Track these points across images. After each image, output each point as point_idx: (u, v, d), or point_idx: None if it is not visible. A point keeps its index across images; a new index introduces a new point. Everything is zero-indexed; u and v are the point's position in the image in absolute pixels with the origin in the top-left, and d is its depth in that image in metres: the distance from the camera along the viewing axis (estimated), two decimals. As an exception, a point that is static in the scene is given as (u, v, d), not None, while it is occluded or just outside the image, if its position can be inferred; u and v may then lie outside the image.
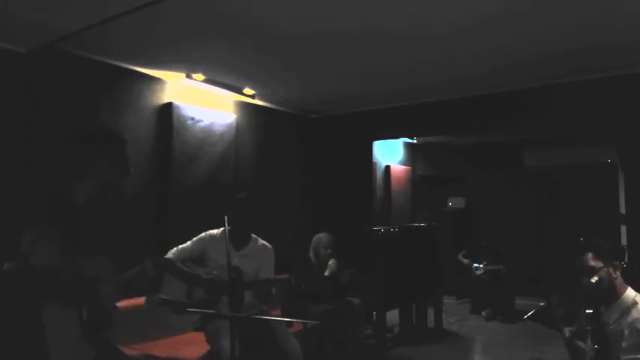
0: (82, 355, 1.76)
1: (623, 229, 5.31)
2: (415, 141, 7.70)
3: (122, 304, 2.32)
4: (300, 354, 2.90)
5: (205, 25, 3.09)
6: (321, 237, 4.19)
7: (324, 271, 4.00)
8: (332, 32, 3.22)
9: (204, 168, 4.34)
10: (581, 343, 2.25)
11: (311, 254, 4.20)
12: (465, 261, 6.50)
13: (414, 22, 3.06)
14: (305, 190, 5.64)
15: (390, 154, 7.28)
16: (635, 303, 2.16)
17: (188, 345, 3.28)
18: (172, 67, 3.93)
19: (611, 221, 5.99)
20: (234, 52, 3.63)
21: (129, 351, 2.93)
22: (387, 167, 7.11)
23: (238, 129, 4.74)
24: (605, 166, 6.62)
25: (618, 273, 2.23)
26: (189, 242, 3.14)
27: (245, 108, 4.94)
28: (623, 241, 5.22)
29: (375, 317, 4.76)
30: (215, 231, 3.18)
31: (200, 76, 4.10)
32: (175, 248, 3.10)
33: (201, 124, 4.33)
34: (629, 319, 2.13)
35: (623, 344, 2.09)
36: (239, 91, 4.54)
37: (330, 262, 4.03)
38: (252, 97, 4.71)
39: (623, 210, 5.13)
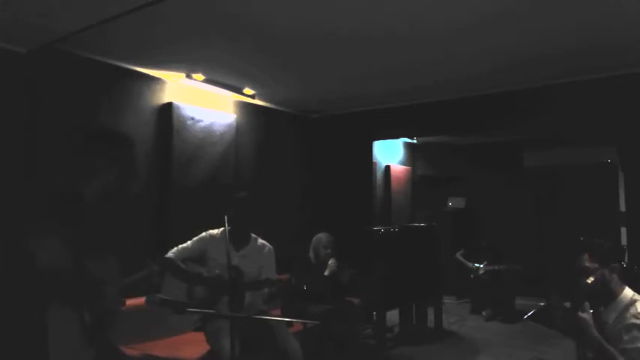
0: (82, 356, 1.76)
1: (624, 229, 5.31)
2: (415, 141, 7.70)
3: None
4: (300, 354, 2.90)
5: (205, 25, 3.09)
6: (321, 237, 4.19)
7: (324, 271, 4.00)
8: (332, 32, 3.23)
9: (204, 168, 4.34)
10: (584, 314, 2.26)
11: (311, 254, 4.20)
12: (466, 262, 6.48)
13: (414, 22, 3.06)
14: (305, 190, 5.64)
15: (390, 154, 7.28)
16: (634, 302, 2.22)
17: (188, 345, 3.28)
18: (172, 67, 3.94)
19: (611, 221, 5.98)
20: (234, 52, 3.63)
21: (129, 351, 2.94)
22: (387, 167, 7.11)
23: (238, 129, 4.74)
24: (605, 166, 6.61)
25: (614, 275, 2.27)
26: (189, 242, 3.14)
27: (245, 108, 4.94)
28: (623, 241, 5.22)
29: (375, 317, 4.76)
30: (215, 231, 3.18)
31: (200, 76, 4.10)
32: (176, 248, 3.10)
33: (201, 124, 4.33)
34: (627, 317, 2.19)
35: (625, 337, 2.15)
36: (239, 91, 4.55)
37: (330, 262, 4.04)
38: (252, 97, 4.71)
39: (623, 210, 5.13)
